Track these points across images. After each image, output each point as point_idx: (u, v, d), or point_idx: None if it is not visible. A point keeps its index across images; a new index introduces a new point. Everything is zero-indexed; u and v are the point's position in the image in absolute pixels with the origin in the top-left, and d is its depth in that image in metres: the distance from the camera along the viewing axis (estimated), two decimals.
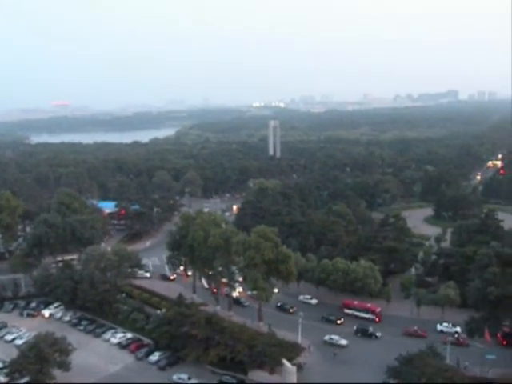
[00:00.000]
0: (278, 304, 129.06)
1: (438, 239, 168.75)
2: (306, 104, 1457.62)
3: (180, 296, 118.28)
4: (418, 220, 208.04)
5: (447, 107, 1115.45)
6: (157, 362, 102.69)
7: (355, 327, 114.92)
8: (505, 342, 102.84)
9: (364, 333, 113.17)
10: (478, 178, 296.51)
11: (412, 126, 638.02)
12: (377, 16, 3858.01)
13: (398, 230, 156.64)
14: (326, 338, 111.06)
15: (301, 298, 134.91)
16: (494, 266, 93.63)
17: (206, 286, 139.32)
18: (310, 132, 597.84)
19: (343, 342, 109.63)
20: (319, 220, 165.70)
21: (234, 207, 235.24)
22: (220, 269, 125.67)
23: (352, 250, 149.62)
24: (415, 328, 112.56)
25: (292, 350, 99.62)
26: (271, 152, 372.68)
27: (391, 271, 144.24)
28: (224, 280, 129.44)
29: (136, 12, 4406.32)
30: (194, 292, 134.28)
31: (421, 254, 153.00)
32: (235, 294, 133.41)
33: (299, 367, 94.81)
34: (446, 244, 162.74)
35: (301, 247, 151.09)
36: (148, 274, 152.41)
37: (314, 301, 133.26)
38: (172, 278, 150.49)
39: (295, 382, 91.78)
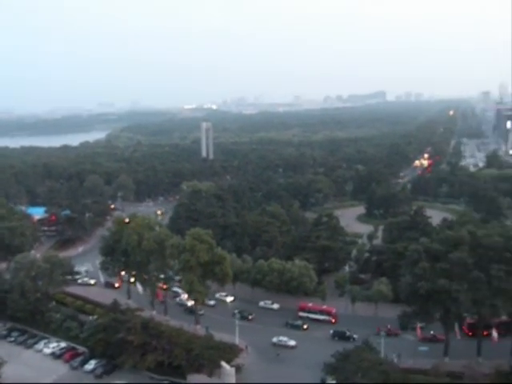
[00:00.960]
0: (236, 311, 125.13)
1: (370, 237, 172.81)
2: (238, 106, 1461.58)
3: (115, 302, 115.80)
4: (351, 218, 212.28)
5: (376, 108, 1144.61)
6: (93, 370, 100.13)
7: (331, 331, 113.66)
8: (470, 333, 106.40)
9: (341, 336, 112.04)
10: (400, 180, 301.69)
11: (342, 126, 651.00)
12: (304, 20, 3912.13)
13: (331, 228, 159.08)
14: (275, 339, 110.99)
15: (261, 303, 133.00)
16: (424, 262, 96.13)
17: (140, 290, 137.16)
18: (243, 133, 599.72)
19: (292, 342, 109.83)
20: (253, 221, 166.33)
21: (159, 212, 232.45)
22: (155, 273, 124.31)
23: (287, 250, 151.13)
24: (388, 327, 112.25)
25: (230, 352, 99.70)
26: (204, 154, 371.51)
27: (326, 269, 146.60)
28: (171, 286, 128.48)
29: (57, 11, 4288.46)
30: (129, 297, 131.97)
31: (354, 252, 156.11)
32: (190, 303, 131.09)
33: (238, 368, 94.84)
34: (377, 241, 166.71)
35: (236, 249, 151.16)
36: (92, 281, 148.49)
37: (275, 306, 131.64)
38: (117, 285, 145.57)
39: (234, 383, 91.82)
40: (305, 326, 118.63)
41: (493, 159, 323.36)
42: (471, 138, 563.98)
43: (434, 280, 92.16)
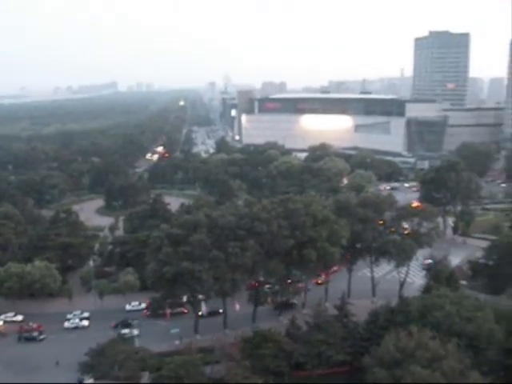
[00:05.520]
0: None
1: (112, 229, 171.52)
2: None
3: None
4: (91, 212, 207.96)
5: (109, 98, 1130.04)
6: None
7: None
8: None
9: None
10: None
11: (75, 118, 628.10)
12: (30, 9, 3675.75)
13: (71, 224, 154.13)
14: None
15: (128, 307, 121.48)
16: (167, 247, 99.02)
17: None
18: None
19: (135, 331, 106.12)
20: None
21: None
22: None
23: (25, 252, 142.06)
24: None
25: None
26: None
27: (70, 267, 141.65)
28: None
29: None
30: None
31: (97, 246, 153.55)
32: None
33: None
34: (120, 232, 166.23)
35: None
36: None
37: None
38: None
39: None
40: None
41: (222, 145, 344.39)
42: (201, 125, 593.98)
43: (178, 263, 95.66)
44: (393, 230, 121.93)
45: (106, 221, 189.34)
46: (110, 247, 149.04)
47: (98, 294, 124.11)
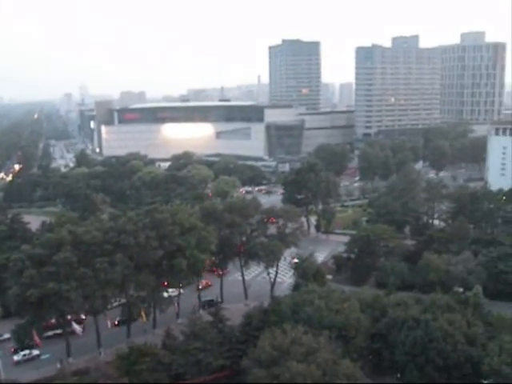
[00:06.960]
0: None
1: None
2: None
3: None
4: None
5: None
6: None
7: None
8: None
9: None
10: None
11: None
12: None
13: None
14: (16, 357, 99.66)
15: None
16: (30, 269, 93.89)
17: None
18: None
19: (36, 352, 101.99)
20: None
21: None
22: None
23: None
24: None
25: None
26: None
27: None
28: None
29: None
30: None
31: None
32: None
33: None
34: None
35: None
36: None
37: None
38: None
39: None
40: None
41: (82, 158, 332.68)
42: (59, 139, 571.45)
43: (43, 285, 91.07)
44: (260, 232, 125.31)
45: None
46: None
47: None
